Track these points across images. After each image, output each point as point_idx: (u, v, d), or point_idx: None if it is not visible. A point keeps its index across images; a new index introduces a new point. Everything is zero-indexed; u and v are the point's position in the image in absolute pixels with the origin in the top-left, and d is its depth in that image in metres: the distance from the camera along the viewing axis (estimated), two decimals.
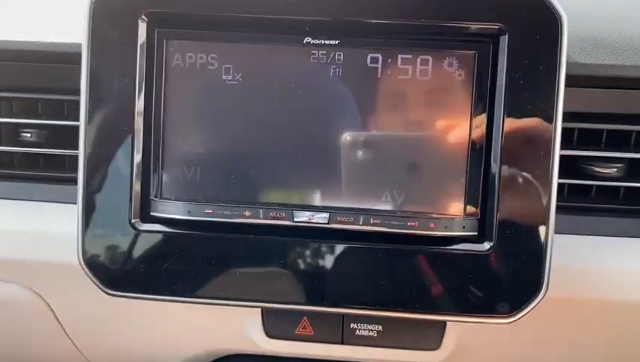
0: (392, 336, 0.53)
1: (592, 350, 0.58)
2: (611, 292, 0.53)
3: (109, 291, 0.46)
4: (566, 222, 0.53)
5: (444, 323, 0.54)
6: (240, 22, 0.44)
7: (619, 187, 0.53)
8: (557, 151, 0.43)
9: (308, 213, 0.44)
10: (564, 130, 0.51)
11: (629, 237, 0.53)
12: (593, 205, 0.54)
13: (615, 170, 0.52)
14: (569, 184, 0.53)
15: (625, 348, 0.58)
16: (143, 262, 0.45)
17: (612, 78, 0.49)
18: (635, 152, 0.52)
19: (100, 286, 0.46)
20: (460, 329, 0.54)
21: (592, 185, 0.53)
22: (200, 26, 0.45)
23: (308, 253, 0.44)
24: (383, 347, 0.54)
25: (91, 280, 0.46)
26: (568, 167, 0.52)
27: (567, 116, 0.50)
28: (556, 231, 0.51)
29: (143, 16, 0.44)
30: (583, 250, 0.53)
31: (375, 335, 0.52)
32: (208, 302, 0.46)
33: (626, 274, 0.53)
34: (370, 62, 0.43)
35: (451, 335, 0.55)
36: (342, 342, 0.54)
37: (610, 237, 0.53)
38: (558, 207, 0.51)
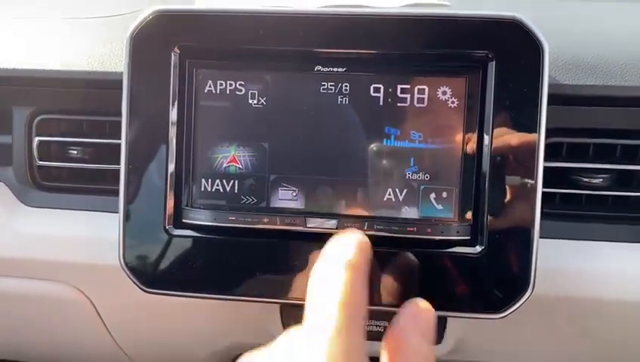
0: None
1: (582, 346, 0.62)
2: (603, 292, 0.58)
3: (146, 289, 0.51)
4: (559, 228, 0.57)
5: (445, 320, 0.59)
6: (260, 53, 0.50)
7: (607, 196, 0.58)
8: (541, 163, 0.47)
9: (319, 220, 0.50)
10: (554, 144, 0.56)
11: (617, 241, 0.58)
12: (583, 212, 0.58)
13: (601, 180, 0.57)
14: (560, 193, 0.58)
15: (613, 344, 0.62)
16: (175, 263, 0.51)
17: (594, 98, 0.54)
18: (620, 164, 0.57)
19: (139, 284, 0.51)
20: (460, 324, 0.59)
21: (581, 194, 0.58)
22: (226, 58, 0.51)
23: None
24: None
25: (131, 279, 0.51)
26: (559, 177, 0.57)
27: (557, 131, 0.55)
28: (550, 236, 0.56)
29: (175, 49, 0.50)
30: (574, 253, 0.58)
31: (382, 330, 0.57)
32: (232, 298, 0.51)
33: (615, 275, 0.58)
34: (373, 92, 0.49)
35: (452, 330, 0.60)
36: None
37: (600, 242, 0.58)
38: (550, 214, 0.56)
